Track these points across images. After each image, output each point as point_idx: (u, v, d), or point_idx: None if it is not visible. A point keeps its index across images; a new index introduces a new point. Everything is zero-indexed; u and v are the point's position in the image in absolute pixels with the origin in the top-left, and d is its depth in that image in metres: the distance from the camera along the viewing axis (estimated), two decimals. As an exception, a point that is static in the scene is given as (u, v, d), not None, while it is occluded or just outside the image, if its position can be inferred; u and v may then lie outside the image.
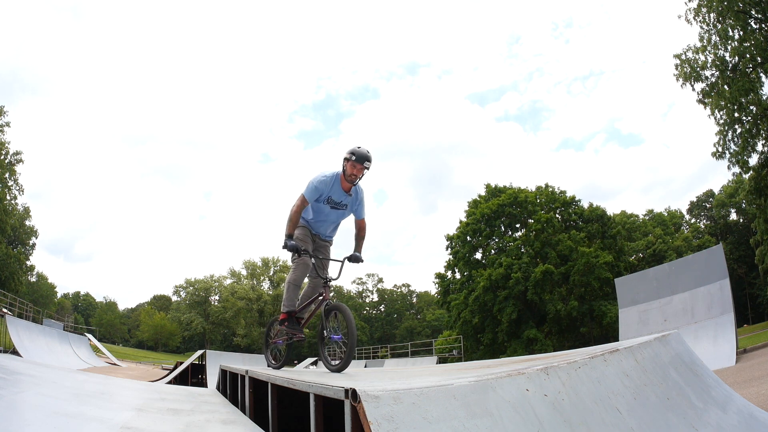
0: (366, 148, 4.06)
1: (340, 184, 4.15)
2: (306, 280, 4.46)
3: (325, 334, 3.92)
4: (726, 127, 18.99)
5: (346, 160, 4.06)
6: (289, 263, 4.41)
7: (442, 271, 41.72)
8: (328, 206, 4.24)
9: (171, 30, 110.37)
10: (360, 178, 4.11)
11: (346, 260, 4.22)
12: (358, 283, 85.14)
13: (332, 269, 4.37)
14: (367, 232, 4.47)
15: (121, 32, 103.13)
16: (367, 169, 4.06)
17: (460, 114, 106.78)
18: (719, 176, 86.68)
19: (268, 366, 4.76)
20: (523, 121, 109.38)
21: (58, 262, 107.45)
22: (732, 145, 18.98)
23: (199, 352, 19.29)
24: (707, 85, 19.22)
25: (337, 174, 4.16)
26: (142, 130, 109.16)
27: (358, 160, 4.00)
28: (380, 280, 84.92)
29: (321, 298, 4.11)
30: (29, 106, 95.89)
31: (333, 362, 3.87)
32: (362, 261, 4.30)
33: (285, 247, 4.02)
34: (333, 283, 4.18)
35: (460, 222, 41.33)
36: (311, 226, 4.40)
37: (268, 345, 4.83)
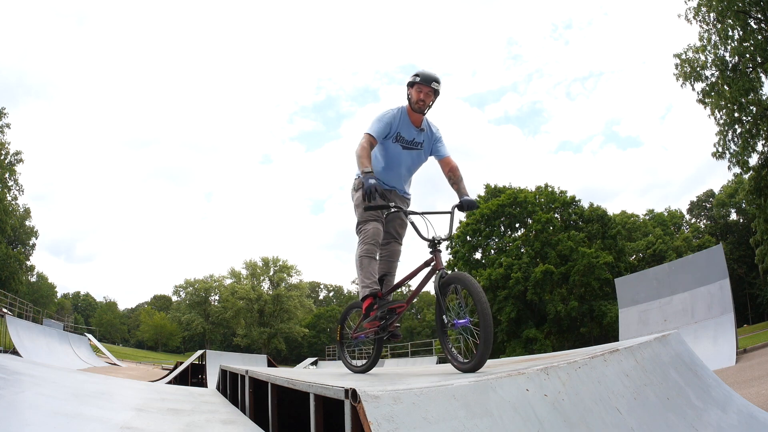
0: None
1: (408, 117, 3.43)
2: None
3: (446, 320, 2.80)
4: (726, 127, 18.98)
5: (410, 85, 3.37)
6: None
7: (442, 271, 41.69)
8: (399, 146, 3.45)
9: (172, 34, 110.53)
10: (430, 106, 3.39)
11: (456, 209, 3.20)
12: (358, 283, 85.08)
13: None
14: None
15: (124, 37, 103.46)
16: (437, 93, 3.33)
17: (459, 116, 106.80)
18: (717, 178, 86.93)
19: (348, 369, 3.79)
20: (522, 122, 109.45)
21: (59, 263, 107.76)
22: (732, 145, 18.98)
23: (199, 352, 19.28)
24: (707, 84, 19.21)
25: (402, 107, 3.43)
26: (144, 133, 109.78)
27: (424, 82, 3.29)
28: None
29: (431, 267, 3.03)
30: (33, 109, 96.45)
31: (461, 358, 2.75)
32: (477, 206, 3.35)
33: (362, 187, 3.02)
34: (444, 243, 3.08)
35: (460, 222, 41.34)
36: (381, 179, 3.50)
37: (344, 343, 3.84)
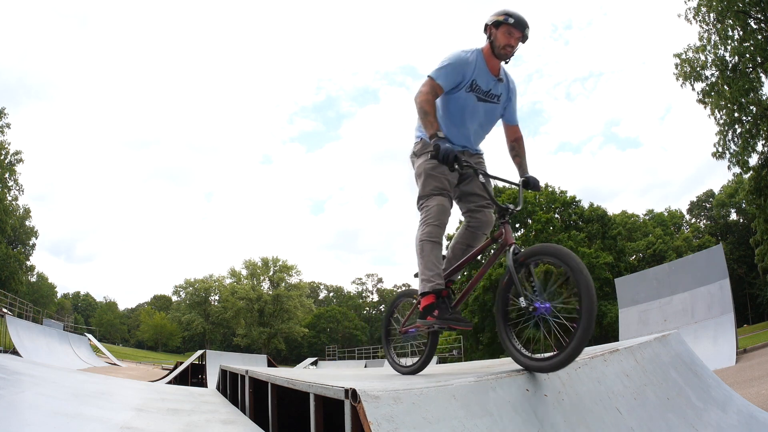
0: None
1: (486, 63, 2.80)
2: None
3: (522, 303, 2.24)
4: (726, 127, 18.98)
5: (494, 26, 2.73)
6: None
7: (442, 271, 41.75)
8: (474, 96, 2.81)
9: (173, 35, 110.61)
10: (512, 55, 2.78)
11: (522, 186, 2.86)
12: (357, 284, 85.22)
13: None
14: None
15: (125, 38, 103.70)
16: (524, 41, 2.76)
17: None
18: (717, 178, 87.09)
19: (395, 369, 3.22)
20: (522, 122, 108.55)
21: (59, 263, 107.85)
22: (732, 145, 18.98)
23: (199, 352, 19.28)
24: (707, 84, 19.20)
25: (478, 49, 2.81)
26: (144, 134, 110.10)
27: (519, 25, 2.68)
28: (380, 281, 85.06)
29: (500, 242, 2.51)
30: (33, 109, 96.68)
31: (537, 355, 2.17)
32: (540, 188, 2.89)
33: (436, 155, 2.46)
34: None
35: (460, 222, 41.28)
36: (450, 136, 2.83)
37: (391, 339, 3.28)
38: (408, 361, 3.16)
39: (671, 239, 48.73)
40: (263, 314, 62.41)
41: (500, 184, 2.77)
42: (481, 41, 2.84)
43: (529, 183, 2.86)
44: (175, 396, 4.64)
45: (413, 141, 3.02)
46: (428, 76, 2.76)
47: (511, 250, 2.38)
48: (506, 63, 2.84)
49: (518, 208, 2.61)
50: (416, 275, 2.88)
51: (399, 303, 3.35)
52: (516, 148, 3.02)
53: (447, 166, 2.45)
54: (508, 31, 2.70)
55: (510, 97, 2.99)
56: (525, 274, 2.30)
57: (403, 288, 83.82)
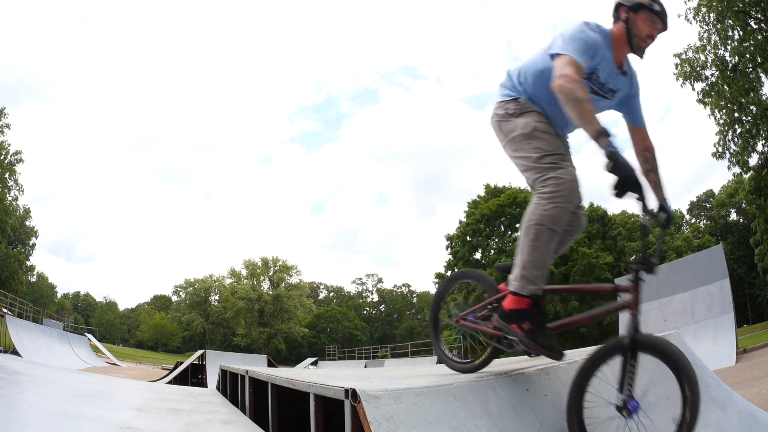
0: None
1: (612, 50, 2.24)
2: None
3: (617, 400, 1.85)
4: (726, 127, 18.99)
5: (632, 9, 2.16)
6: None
7: (442, 271, 41.76)
8: (588, 86, 2.16)
9: (173, 35, 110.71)
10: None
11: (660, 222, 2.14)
12: (357, 284, 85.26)
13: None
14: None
15: (125, 38, 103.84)
16: (659, 33, 2.22)
17: (458, 118, 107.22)
18: (717, 178, 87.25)
19: (446, 364, 2.60)
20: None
21: (59, 263, 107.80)
22: (732, 145, 18.98)
23: (199, 352, 19.30)
24: (707, 84, 19.22)
25: (608, 32, 2.23)
26: (144, 134, 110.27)
27: (662, 14, 2.17)
28: (380, 280, 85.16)
29: (621, 301, 1.98)
30: (33, 110, 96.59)
31: None
32: (672, 223, 2.18)
33: (615, 170, 1.82)
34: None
35: (460, 222, 41.36)
36: (550, 115, 2.27)
37: (439, 330, 2.69)
38: (454, 356, 2.61)
39: (671, 239, 48.76)
40: (263, 314, 62.40)
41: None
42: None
43: (666, 217, 2.14)
44: (175, 396, 4.64)
45: (498, 100, 2.40)
46: (565, 54, 2.06)
47: (633, 324, 1.85)
48: (641, 58, 2.26)
49: (655, 261, 1.93)
50: (504, 270, 2.29)
51: (454, 286, 2.73)
52: (650, 160, 2.34)
53: (627, 192, 1.84)
54: (651, 19, 2.17)
55: (633, 93, 2.39)
56: (630, 360, 1.84)
57: (403, 288, 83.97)
